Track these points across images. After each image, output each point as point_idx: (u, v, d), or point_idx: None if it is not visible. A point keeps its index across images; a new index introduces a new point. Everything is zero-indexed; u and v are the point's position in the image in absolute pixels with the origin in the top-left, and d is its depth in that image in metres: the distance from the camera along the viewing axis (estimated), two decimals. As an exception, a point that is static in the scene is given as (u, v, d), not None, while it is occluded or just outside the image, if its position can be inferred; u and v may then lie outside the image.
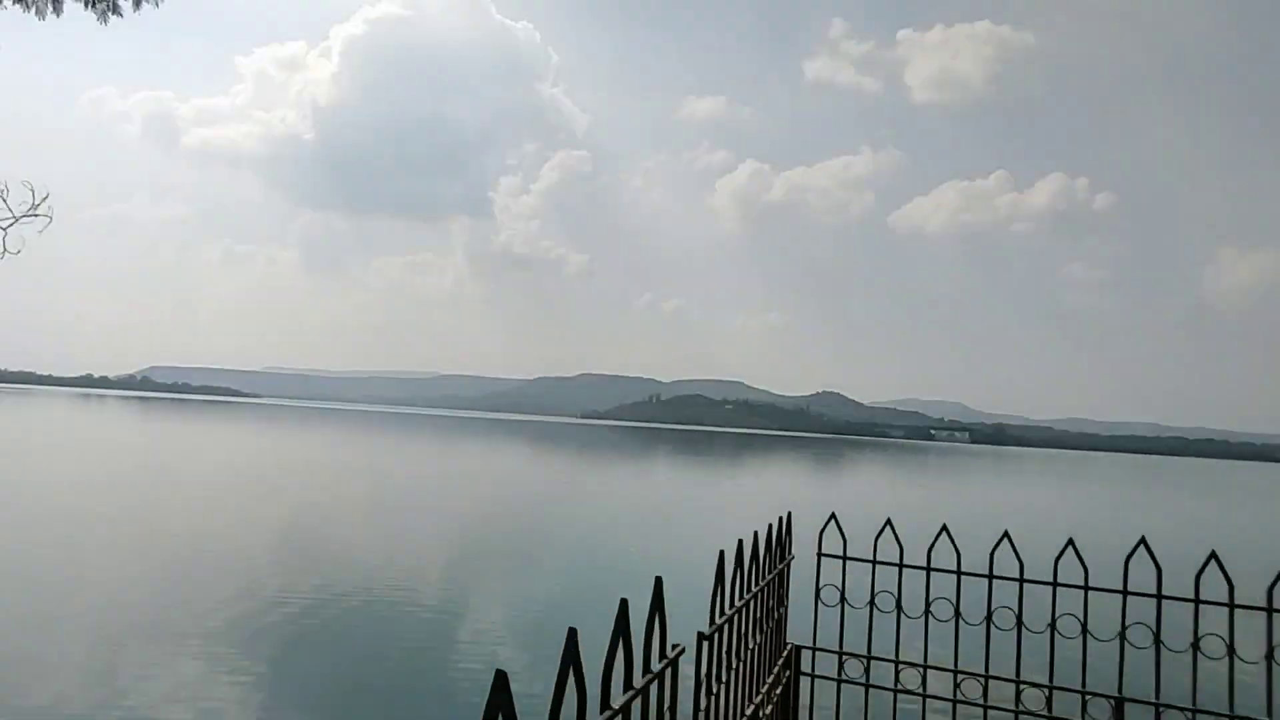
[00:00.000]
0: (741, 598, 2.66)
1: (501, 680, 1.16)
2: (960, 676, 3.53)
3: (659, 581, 1.87)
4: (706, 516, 28.62)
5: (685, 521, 26.61)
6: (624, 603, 1.62)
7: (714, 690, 2.27)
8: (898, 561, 3.64)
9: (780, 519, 3.42)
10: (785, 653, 3.58)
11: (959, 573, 3.57)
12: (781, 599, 3.48)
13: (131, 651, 10.12)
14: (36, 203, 10.81)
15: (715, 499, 38.08)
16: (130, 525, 20.31)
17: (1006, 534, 3.48)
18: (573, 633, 1.37)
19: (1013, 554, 3.44)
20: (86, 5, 8.53)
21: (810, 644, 3.75)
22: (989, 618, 3.49)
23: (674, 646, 1.95)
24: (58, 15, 8.41)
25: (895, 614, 3.64)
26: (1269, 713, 3.07)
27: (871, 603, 3.72)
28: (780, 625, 3.50)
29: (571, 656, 1.36)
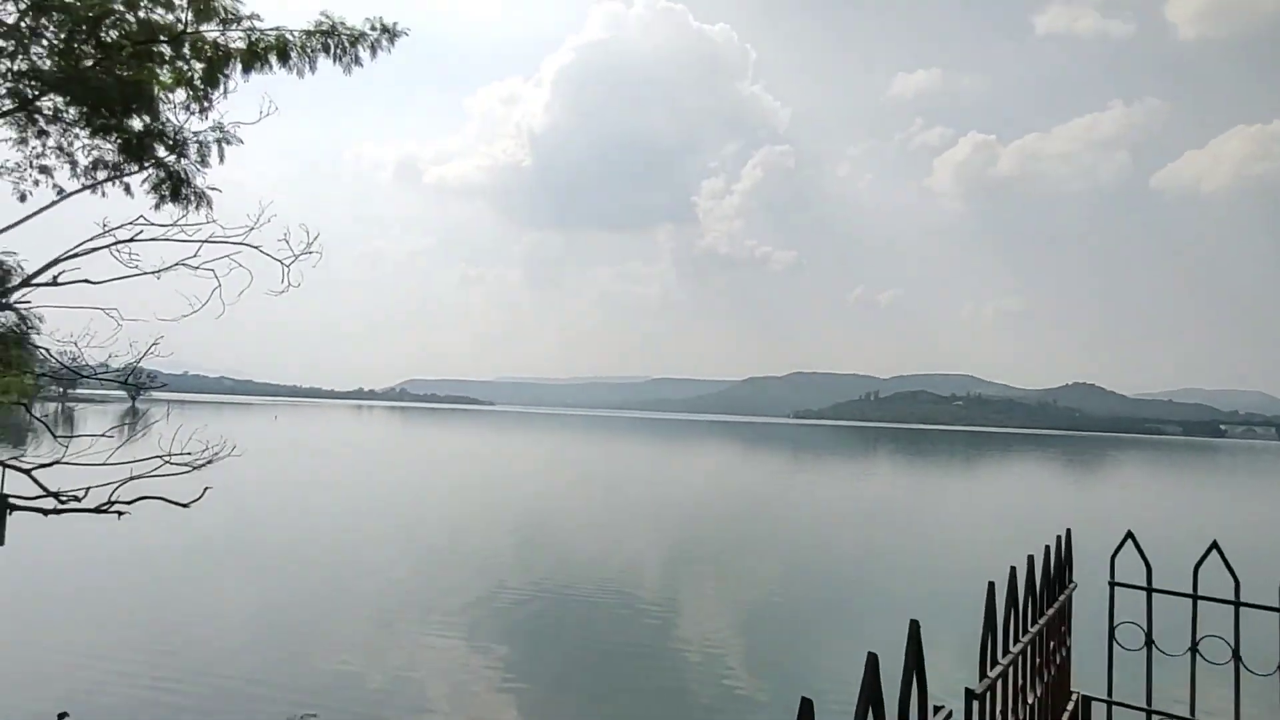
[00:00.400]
0: (1017, 640, 2.08)
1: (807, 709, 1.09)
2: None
3: (915, 628, 1.43)
4: (949, 530, 26.24)
5: (923, 536, 24.59)
6: (873, 660, 1.21)
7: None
8: (1233, 599, 2.76)
9: (1058, 538, 2.74)
10: (1071, 705, 2.87)
11: (1332, 618, 2.62)
12: (1063, 639, 2.78)
13: (399, 626, 11.43)
14: (309, 242, 12.57)
15: (954, 508, 34.90)
16: (402, 519, 23.19)
17: None
18: (807, 705, 1.01)
19: None
20: (334, 61, 9.71)
21: (1103, 695, 2.98)
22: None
23: (936, 710, 1.49)
24: (313, 72, 9.64)
25: (1233, 666, 2.76)
26: None
27: (1194, 649, 2.86)
28: (1064, 669, 2.80)
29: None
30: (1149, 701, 2.91)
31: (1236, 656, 2.77)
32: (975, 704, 1.68)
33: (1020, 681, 2.10)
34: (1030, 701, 2.22)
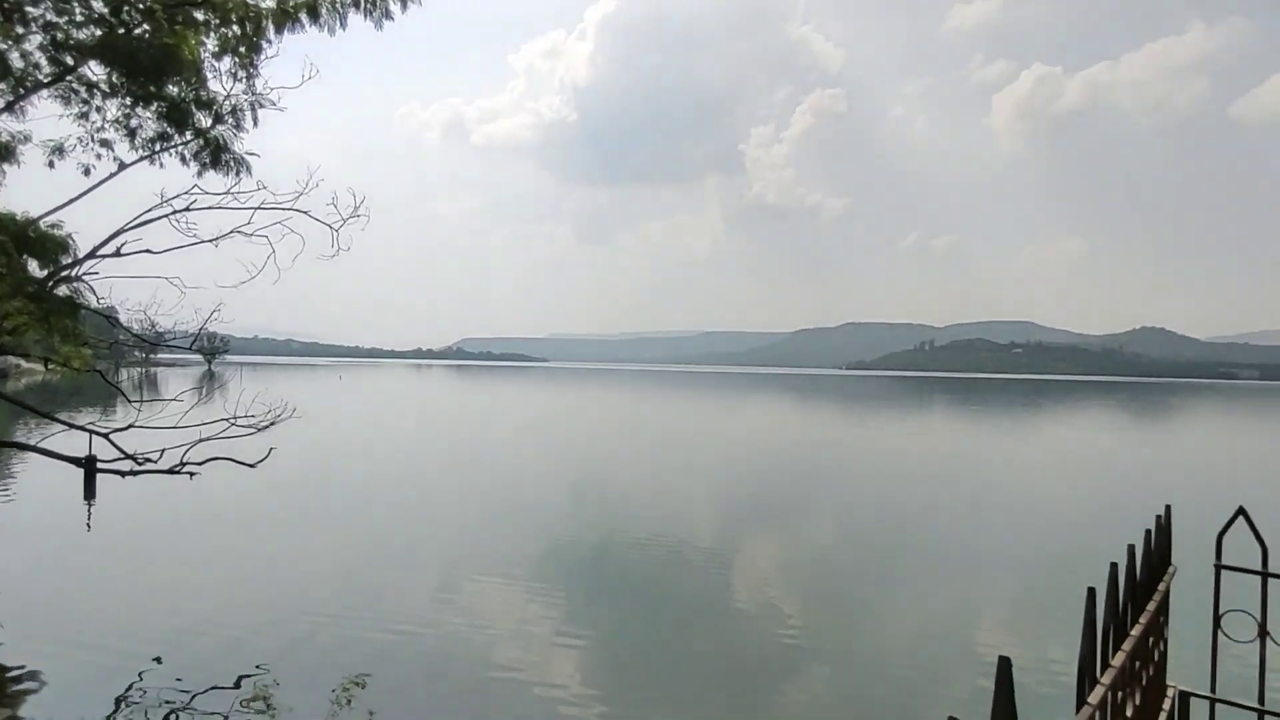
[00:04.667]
0: (1117, 651, 1.77)
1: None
2: None
3: (1005, 667, 1.14)
4: (1015, 491, 25.41)
5: (984, 500, 23.87)
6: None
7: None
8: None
9: (1158, 518, 2.38)
10: (1167, 704, 2.54)
11: None
12: (1161, 631, 2.44)
13: (463, 580, 11.67)
14: (356, 206, 12.47)
15: (1025, 464, 33.83)
16: (464, 476, 23.66)
17: None
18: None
19: None
20: (365, 15, 9.41)
21: (1205, 691, 2.64)
22: None
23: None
24: (344, 28, 9.38)
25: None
26: None
27: (1318, 643, 2.49)
28: (1161, 666, 2.47)
29: None
30: (1261, 700, 2.56)
31: (1371, 653, 2.39)
32: (1074, 737, 1.39)
33: (1119, 696, 1.79)
34: (1130, 714, 1.91)
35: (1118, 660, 1.70)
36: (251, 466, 12.18)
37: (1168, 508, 2.48)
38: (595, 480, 23.50)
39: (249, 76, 10.30)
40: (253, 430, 12.22)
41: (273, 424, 12.48)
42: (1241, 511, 2.55)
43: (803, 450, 34.42)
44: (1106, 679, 1.61)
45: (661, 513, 17.83)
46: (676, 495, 20.64)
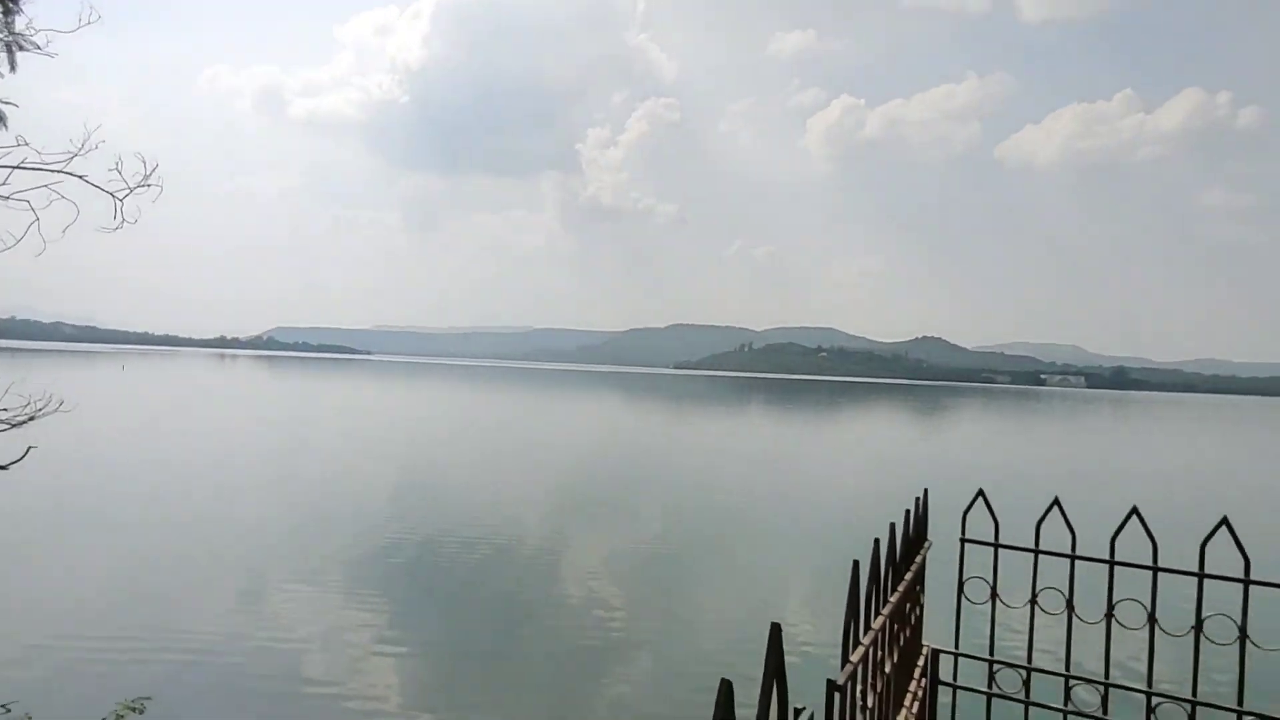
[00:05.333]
0: (878, 614, 2.03)
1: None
2: (1155, 699, 2.78)
3: (776, 632, 1.28)
4: (807, 482, 27.74)
5: (783, 489, 25.84)
6: (726, 687, 1.03)
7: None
8: (1070, 552, 2.89)
9: (917, 500, 2.75)
10: (921, 659, 2.94)
11: (1155, 569, 2.79)
12: (917, 598, 2.82)
13: (259, 584, 10.65)
14: (147, 174, 11.08)
15: (815, 458, 36.97)
16: (271, 477, 21.61)
17: (1225, 521, 2.66)
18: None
19: (1234, 546, 2.63)
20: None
21: (951, 648, 3.08)
22: (1198, 627, 2.71)
23: (798, 712, 1.36)
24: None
25: (1065, 616, 2.91)
26: None
27: (1034, 601, 3.00)
28: (917, 628, 2.85)
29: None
30: (991, 651, 3.04)
31: (1070, 606, 2.92)
32: (837, 695, 1.58)
33: (879, 654, 2.06)
34: (888, 671, 2.20)
35: (877, 623, 1.96)
36: (4, 469, 10.40)
37: (925, 490, 2.87)
38: (416, 479, 22.57)
39: (6, 12, 8.78)
40: (5, 426, 10.43)
41: (31, 419, 10.72)
42: (980, 493, 3.01)
43: (627, 447, 35.31)
44: (867, 640, 1.85)
45: (487, 511, 17.52)
46: (502, 493, 20.37)
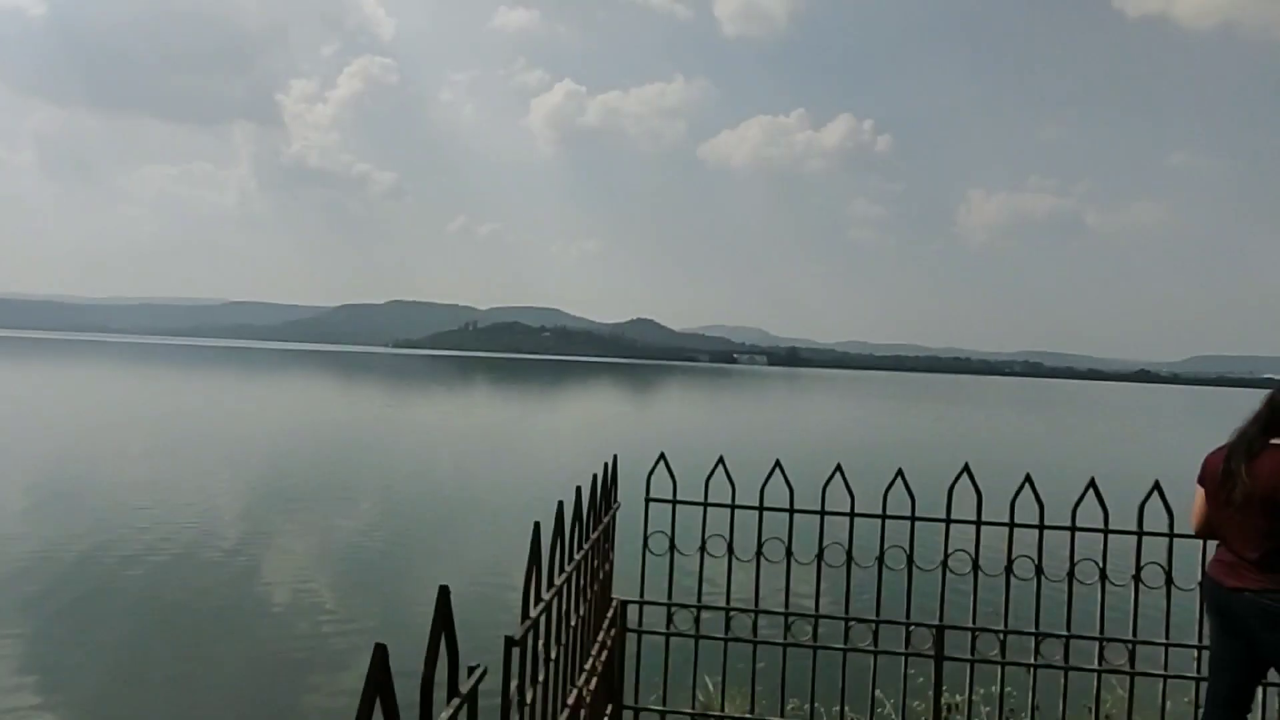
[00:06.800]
0: (563, 571, 2.17)
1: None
2: (791, 619, 3.39)
3: (444, 595, 1.31)
4: (523, 458, 28.20)
5: (502, 467, 26.02)
6: (381, 652, 1.04)
7: (528, 699, 1.79)
8: (730, 502, 3.37)
9: (605, 465, 2.98)
10: (610, 611, 3.22)
11: (791, 510, 3.38)
12: (607, 554, 3.08)
13: None
14: None
15: (531, 435, 37.78)
16: None
17: (839, 468, 3.32)
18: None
19: (844, 488, 3.29)
20: None
21: (637, 598, 3.42)
22: (820, 555, 3.35)
23: (471, 670, 1.42)
24: None
25: (727, 558, 3.40)
26: (1068, 626, 3.20)
27: (702, 548, 3.44)
28: (606, 583, 3.10)
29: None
30: (669, 596, 3.44)
31: (731, 550, 3.41)
32: (515, 650, 1.67)
33: (564, 607, 2.21)
34: (574, 623, 2.37)
35: (560, 580, 2.11)
36: None
37: (615, 456, 3.14)
38: (69, 480, 18.54)
39: None
40: None
41: None
42: (662, 456, 3.38)
43: (338, 433, 32.80)
44: (549, 595, 1.98)
45: (163, 513, 15.03)
46: (179, 495, 17.61)
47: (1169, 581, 3.17)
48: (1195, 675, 3.15)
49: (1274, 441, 2.86)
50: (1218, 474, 2.95)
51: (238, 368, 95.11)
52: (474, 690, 1.38)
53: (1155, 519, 3.17)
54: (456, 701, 1.32)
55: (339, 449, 26.72)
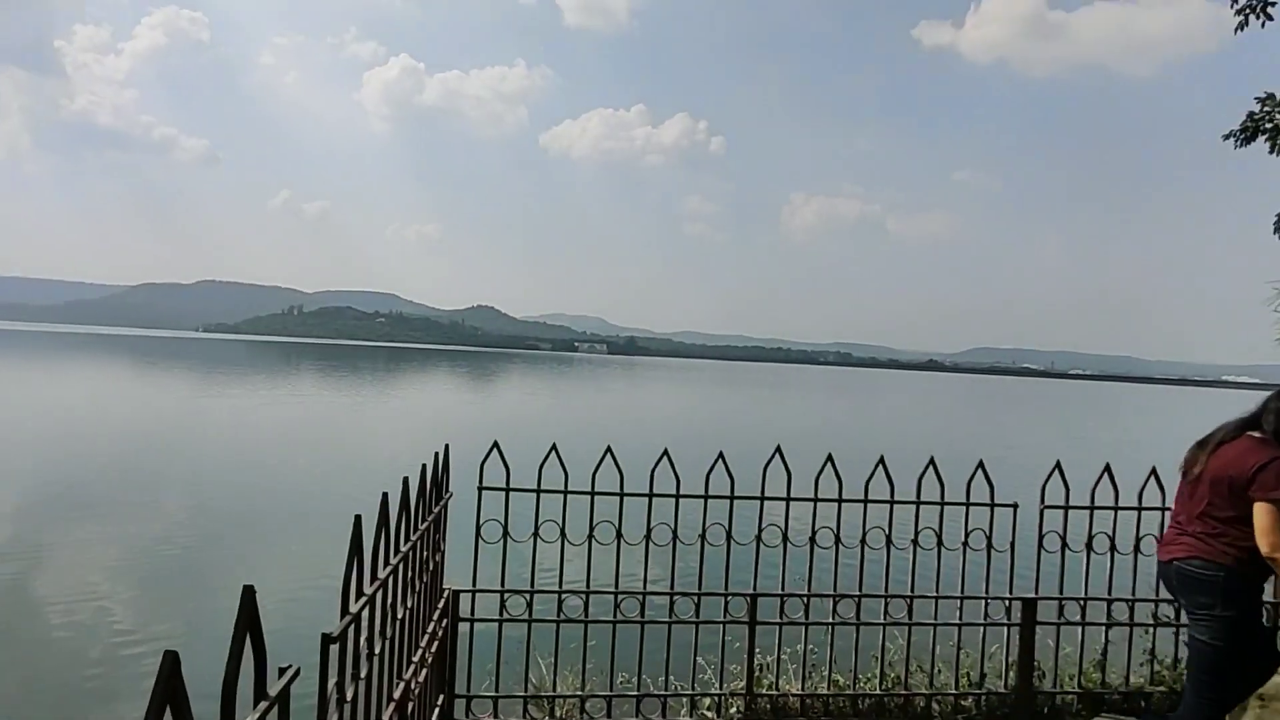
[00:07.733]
0: (388, 564, 2.14)
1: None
2: (620, 597, 3.54)
3: (249, 595, 1.27)
4: (352, 450, 26.64)
5: (323, 457, 24.45)
6: (171, 658, 1.00)
7: (348, 696, 1.76)
8: (563, 488, 3.45)
9: (436, 455, 2.95)
10: (442, 601, 3.19)
11: (621, 494, 3.53)
12: (438, 545, 3.05)
13: None
14: None
15: (362, 425, 35.82)
16: None
17: (666, 452, 3.50)
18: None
19: (671, 471, 3.48)
20: None
21: (470, 587, 3.42)
22: (648, 536, 3.52)
23: (283, 670, 1.38)
24: None
25: (560, 543, 3.48)
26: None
27: (535, 534, 3.50)
28: (437, 574, 3.07)
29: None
30: (503, 582, 3.47)
31: (564, 534, 3.50)
32: (333, 647, 1.64)
33: (390, 601, 2.18)
34: (401, 616, 2.34)
35: (384, 573, 2.08)
36: None
37: (446, 446, 3.11)
38: None
39: None
40: None
41: None
42: (495, 445, 3.39)
43: (134, 428, 29.23)
44: (372, 589, 1.95)
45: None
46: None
47: (939, 543, 3.68)
48: (958, 622, 3.68)
49: (1250, 434, 2.97)
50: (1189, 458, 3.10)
51: (2, 354, 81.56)
52: (284, 692, 1.35)
53: (932, 490, 3.67)
54: (264, 705, 1.28)
55: (134, 445, 23.80)
